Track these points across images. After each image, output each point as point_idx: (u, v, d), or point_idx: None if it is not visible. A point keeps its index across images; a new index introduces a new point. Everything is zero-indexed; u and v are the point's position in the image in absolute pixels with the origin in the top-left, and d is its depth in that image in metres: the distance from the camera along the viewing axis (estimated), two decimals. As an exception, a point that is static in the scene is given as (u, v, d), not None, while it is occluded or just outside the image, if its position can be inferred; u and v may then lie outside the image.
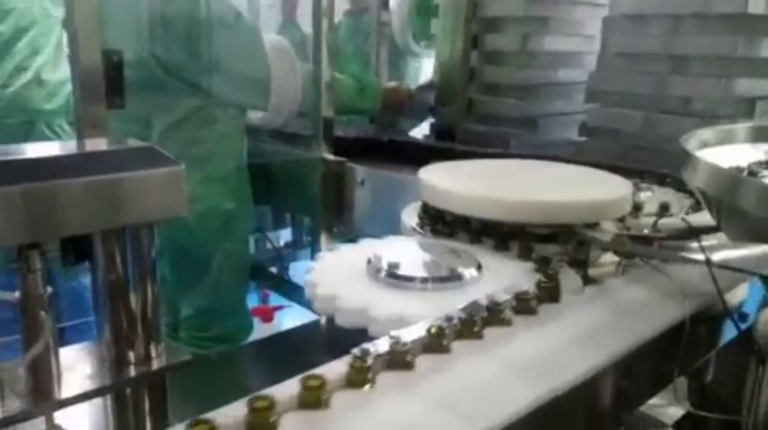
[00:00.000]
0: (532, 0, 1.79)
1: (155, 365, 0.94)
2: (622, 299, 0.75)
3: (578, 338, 0.66)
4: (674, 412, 1.01)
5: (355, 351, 0.55)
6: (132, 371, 0.93)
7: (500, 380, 0.58)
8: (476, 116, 1.98)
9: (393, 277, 0.77)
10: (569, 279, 0.80)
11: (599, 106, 1.69)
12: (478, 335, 0.64)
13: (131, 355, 0.93)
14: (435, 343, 0.60)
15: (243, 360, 1.80)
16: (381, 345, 0.57)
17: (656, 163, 1.38)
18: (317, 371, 0.53)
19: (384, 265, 0.79)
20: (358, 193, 1.67)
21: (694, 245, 0.71)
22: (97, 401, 0.92)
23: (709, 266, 0.63)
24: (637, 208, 0.99)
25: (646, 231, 0.91)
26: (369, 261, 0.81)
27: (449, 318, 0.63)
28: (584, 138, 1.73)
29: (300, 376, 0.52)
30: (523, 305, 0.70)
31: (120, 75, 1.26)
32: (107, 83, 1.24)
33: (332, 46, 1.75)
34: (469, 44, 1.92)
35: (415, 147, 1.88)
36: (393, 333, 0.59)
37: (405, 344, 0.58)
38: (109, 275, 0.91)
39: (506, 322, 0.67)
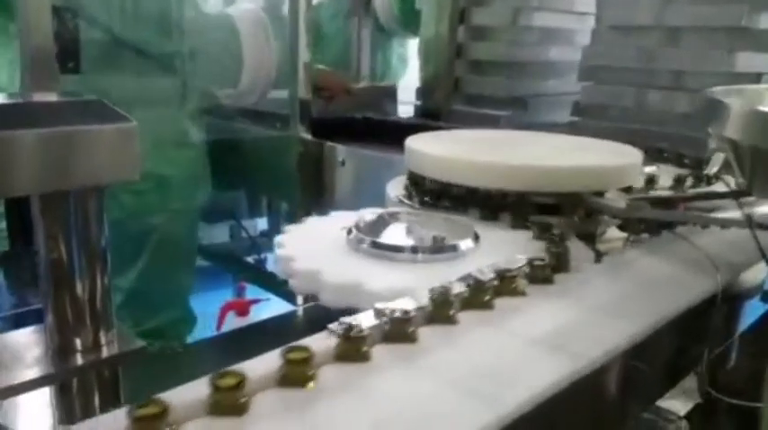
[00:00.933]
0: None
1: (104, 353, 0.83)
2: (642, 270, 0.65)
3: (592, 315, 0.56)
4: (683, 403, 0.92)
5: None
6: (79, 360, 0.82)
7: (511, 358, 0.48)
8: (463, 96, 1.88)
9: (380, 248, 0.67)
10: (579, 250, 0.70)
11: (593, 84, 1.60)
12: (451, 320, 0.53)
13: (78, 342, 0.82)
14: (440, 313, 0.51)
15: (215, 352, 1.68)
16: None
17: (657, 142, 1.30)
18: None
19: (367, 234, 0.68)
20: (339, 175, 1.56)
21: (726, 206, 0.61)
22: (42, 392, 0.81)
23: (752, 227, 0.54)
24: (651, 181, 0.89)
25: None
26: (350, 231, 0.70)
27: (451, 288, 0.53)
28: (577, 119, 1.65)
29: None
30: (508, 285, 0.59)
31: (74, 35, 1.14)
32: (59, 43, 1.12)
33: (310, 25, 1.64)
34: (456, 19, 1.82)
35: (397, 127, 1.77)
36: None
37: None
38: (51, 252, 0.79)
39: (488, 305, 0.56)
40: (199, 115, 1.65)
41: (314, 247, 0.70)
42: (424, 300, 0.52)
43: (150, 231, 1.60)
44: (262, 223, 2.30)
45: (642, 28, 1.48)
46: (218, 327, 2.56)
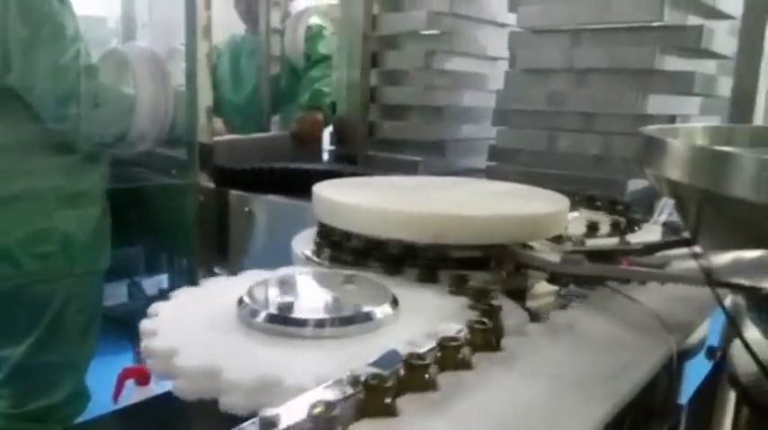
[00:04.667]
0: (435, 16, 1.66)
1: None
2: (590, 336, 0.56)
3: (537, 403, 0.46)
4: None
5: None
6: None
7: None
8: (379, 141, 1.81)
9: (275, 321, 0.55)
10: (512, 314, 0.61)
11: (507, 128, 1.57)
12: (389, 411, 0.42)
13: None
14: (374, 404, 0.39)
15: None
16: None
17: (577, 186, 1.25)
18: None
19: (262, 305, 0.56)
20: (245, 226, 1.43)
21: (675, 258, 0.54)
22: None
23: (713, 286, 0.46)
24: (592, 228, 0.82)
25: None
26: (240, 301, 0.58)
27: (354, 381, 0.41)
28: (494, 163, 1.61)
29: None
30: (452, 357, 0.49)
31: None
32: None
33: (211, 68, 1.53)
34: (368, 63, 1.76)
35: (310, 176, 1.66)
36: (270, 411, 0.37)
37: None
38: None
39: (431, 385, 0.45)
40: (95, 164, 1.48)
41: (195, 332, 0.56)
42: (345, 389, 0.40)
43: (51, 299, 1.42)
44: (162, 280, 2.10)
45: (556, 71, 1.46)
46: (116, 398, 2.30)
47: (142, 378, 2.25)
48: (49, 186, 1.37)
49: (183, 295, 0.63)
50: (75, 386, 1.53)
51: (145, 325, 0.56)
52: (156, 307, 0.59)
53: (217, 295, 0.61)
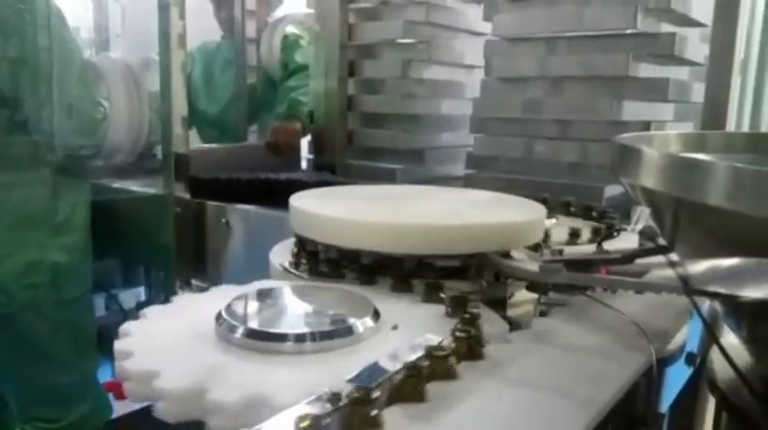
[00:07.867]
0: (411, 25, 1.67)
1: None
2: (566, 346, 0.56)
3: (519, 412, 0.46)
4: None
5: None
6: None
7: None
8: (357, 150, 1.81)
9: (255, 337, 0.54)
10: (492, 323, 0.60)
11: (485, 135, 1.57)
12: (374, 424, 0.42)
13: None
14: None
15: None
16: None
17: (554, 193, 1.26)
18: None
19: (241, 321, 0.55)
20: (222, 237, 1.41)
21: (654, 266, 0.54)
22: None
23: (690, 295, 0.46)
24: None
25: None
26: (218, 317, 0.57)
27: (333, 397, 0.41)
28: (472, 171, 1.61)
29: None
30: (439, 366, 0.49)
31: None
32: None
33: (186, 78, 1.52)
34: (346, 72, 1.76)
35: (288, 186, 1.65)
36: None
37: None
38: None
39: (417, 395, 0.46)
40: (77, 178, 1.47)
41: (165, 342, 0.55)
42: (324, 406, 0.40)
43: (42, 323, 1.44)
44: (140, 293, 2.06)
45: (528, 79, 1.47)
46: (95, 414, 2.27)
47: (120, 392, 2.22)
48: (41, 212, 1.35)
49: (178, 302, 0.65)
50: (97, 397, 1.59)
51: (124, 328, 0.57)
52: (143, 313, 0.60)
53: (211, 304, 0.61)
